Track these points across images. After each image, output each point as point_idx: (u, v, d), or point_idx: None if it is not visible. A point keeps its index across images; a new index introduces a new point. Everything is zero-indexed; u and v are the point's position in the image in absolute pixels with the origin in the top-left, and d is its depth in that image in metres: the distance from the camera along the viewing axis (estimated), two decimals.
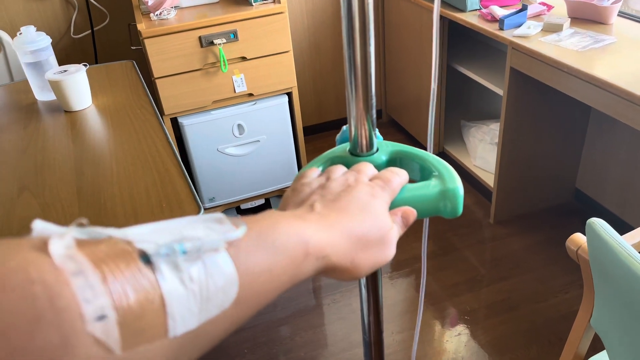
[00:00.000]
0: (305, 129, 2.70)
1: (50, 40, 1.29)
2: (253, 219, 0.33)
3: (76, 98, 1.24)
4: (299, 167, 2.15)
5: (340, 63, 2.60)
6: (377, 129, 0.50)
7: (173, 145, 1.06)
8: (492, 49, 2.27)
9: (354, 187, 0.41)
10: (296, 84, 1.94)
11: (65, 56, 2.19)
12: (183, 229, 0.28)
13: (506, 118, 1.82)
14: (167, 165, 0.99)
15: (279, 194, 2.14)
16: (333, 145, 0.53)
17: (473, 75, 2.09)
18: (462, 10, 1.93)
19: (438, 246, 1.97)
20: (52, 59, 1.29)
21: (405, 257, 1.91)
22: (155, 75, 1.74)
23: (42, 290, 0.22)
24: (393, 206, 0.43)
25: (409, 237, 1.96)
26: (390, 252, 0.40)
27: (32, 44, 1.25)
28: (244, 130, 1.94)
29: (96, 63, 2.20)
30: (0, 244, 0.23)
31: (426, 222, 0.55)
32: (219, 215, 0.31)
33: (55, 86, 1.21)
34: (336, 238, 0.36)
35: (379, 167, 0.47)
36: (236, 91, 1.86)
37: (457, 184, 0.44)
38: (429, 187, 0.45)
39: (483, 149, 2.23)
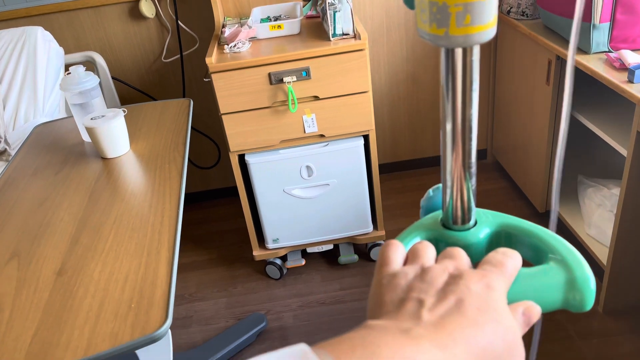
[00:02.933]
0: (392, 165, 2.48)
1: (99, 80, 1.25)
2: (346, 345, 0.27)
3: (111, 145, 1.18)
4: (373, 214, 1.94)
5: (439, 97, 2.34)
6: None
7: (179, 218, 0.93)
8: (621, 98, 1.87)
9: (461, 276, 0.33)
10: (374, 127, 1.74)
11: (158, 78, 2.21)
12: None
13: (628, 184, 1.46)
14: (160, 247, 0.87)
15: (349, 240, 1.95)
16: (424, 187, 0.38)
17: (594, 127, 1.72)
18: (586, 52, 1.58)
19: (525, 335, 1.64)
20: (99, 100, 1.24)
21: None
22: (222, 111, 1.66)
23: None
24: (510, 299, 0.34)
25: None
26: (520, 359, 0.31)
27: (80, 85, 1.21)
28: (313, 172, 1.78)
29: (183, 88, 2.19)
30: None
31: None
32: (302, 347, 0.26)
33: (91, 132, 1.15)
34: (462, 355, 0.29)
35: (478, 245, 0.41)
36: (306, 131, 1.71)
37: (586, 270, 0.36)
38: (552, 274, 0.37)
39: (600, 216, 1.83)
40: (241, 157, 1.79)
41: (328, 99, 1.66)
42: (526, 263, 0.40)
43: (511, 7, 1.97)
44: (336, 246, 2.03)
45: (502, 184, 2.35)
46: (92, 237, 0.91)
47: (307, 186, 1.81)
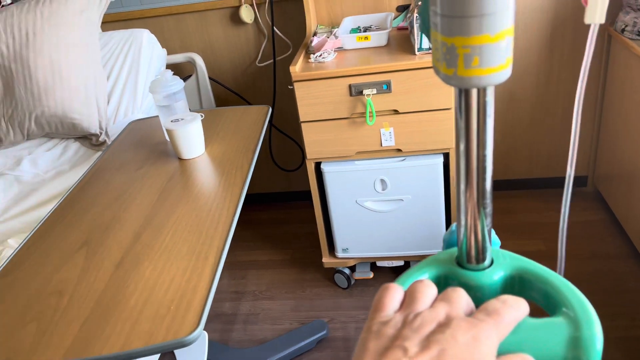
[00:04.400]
0: None
1: (183, 84, 1.33)
2: None
3: (186, 148, 1.25)
4: None
5: (539, 117, 2.19)
6: (492, 231, 0.43)
7: (232, 226, 0.97)
8: None
9: (449, 325, 0.33)
10: (454, 146, 1.67)
11: (251, 81, 2.31)
12: None
13: None
14: (209, 252, 0.90)
15: (420, 259, 1.90)
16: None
17: None
18: None
19: None
20: (182, 103, 1.32)
21: None
22: (302, 119, 1.69)
23: None
24: (505, 350, 0.33)
25: None
26: None
27: (166, 88, 1.30)
28: (387, 186, 1.76)
29: (274, 92, 2.26)
30: None
31: None
32: None
33: (170, 134, 1.23)
34: None
35: (490, 286, 0.41)
36: (383, 145, 1.69)
37: (594, 329, 0.34)
38: (557, 328, 0.35)
39: None
40: (318, 165, 1.81)
41: (408, 113, 1.63)
42: (541, 311, 0.39)
43: (626, 26, 1.79)
44: (407, 263, 1.99)
45: (601, 216, 2.15)
46: (152, 235, 0.98)
47: (381, 199, 1.79)
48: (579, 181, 2.30)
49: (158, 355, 1.37)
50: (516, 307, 0.35)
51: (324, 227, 1.92)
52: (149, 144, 1.39)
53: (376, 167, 1.73)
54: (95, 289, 0.86)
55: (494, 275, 0.41)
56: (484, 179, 0.39)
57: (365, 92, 1.59)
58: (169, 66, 2.26)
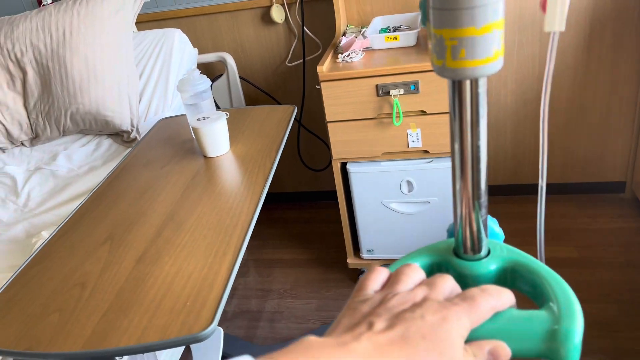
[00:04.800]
0: (511, 187, 2.31)
1: (210, 83, 1.35)
2: (289, 356, 0.29)
3: (211, 146, 1.26)
4: None
5: (575, 120, 2.12)
6: (496, 222, 0.45)
7: (251, 225, 0.97)
8: None
9: (421, 305, 0.34)
10: None
11: (281, 80, 2.32)
12: None
13: None
14: (227, 250, 0.91)
15: None
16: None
17: None
18: None
19: None
20: (208, 102, 1.34)
21: None
22: (328, 119, 1.69)
23: None
24: (481, 336, 0.35)
25: None
26: None
27: (194, 87, 1.32)
28: (414, 187, 1.74)
29: (303, 91, 2.27)
30: None
31: None
32: (247, 358, 0.27)
33: (195, 132, 1.25)
34: None
35: (484, 276, 0.42)
36: (409, 146, 1.67)
37: (574, 324, 0.35)
38: (536, 321, 0.36)
39: None
40: (344, 165, 1.80)
41: (436, 114, 1.61)
42: (533, 305, 0.39)
43: None
44: None
45: (638, 224, 2.07)
46: (173, 231, 1.00)
47: (407, 201, 1.77)
48: (616, 187, 2.22)
49: (181, 351, 1.40)
50: (495, 296, 0.36)
51: (350, 227, 1.91)
52: (176, 141, 1.41)
53: (402, 169, 1.72)
54: (116, 282, 0.88)
55: (488, 266, 0.42)
56: (478, 170, 0.40)
57: (393, 92, 1.58)
58: (201, 65, 2.30)
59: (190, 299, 0.81)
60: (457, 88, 0.37)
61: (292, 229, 2.45)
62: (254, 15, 2.22)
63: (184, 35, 1.97)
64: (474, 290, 0.36)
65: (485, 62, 0.35)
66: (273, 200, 2.59)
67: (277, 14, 2.15)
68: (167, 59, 1.82)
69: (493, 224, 0.50)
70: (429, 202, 1.76)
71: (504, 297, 0.36)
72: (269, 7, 2.16)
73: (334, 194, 2.56)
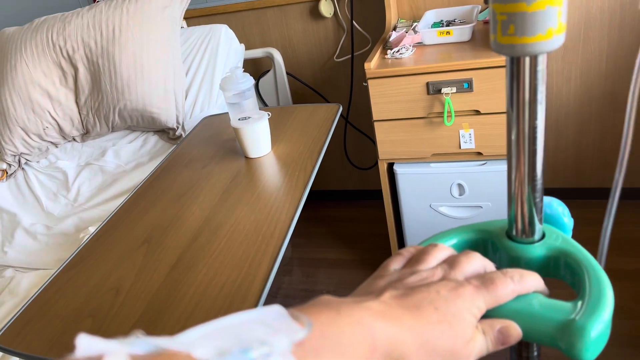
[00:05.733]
0: (573, 191, 2.16)
1: (253, 82, 1.31)
2: (312, 309, 0.30)
3: (252, 146, 1.23)
4: None
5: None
6: (566, 210, 0.45)
7: (289, 232, 0.93)
8: None
9: (437, 282, 0.35)
10: None
11: (329, 76, 2.27)
12: (243, 330, 0.26)
13: None
14: (262, 260, 0.87)
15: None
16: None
17: None
18: None
19: None
20: (251, 101, 1.31)
21: None
22: (375, 118, 1.62)
23: None
24: (496, 314, 0.36)
25: None
26: None
27: (236, 86, 1.29)
28: (465, 191, 1.64)
29: (351, 88, 2.21)
30: None
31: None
32: (277, 308, 0.28)
33: (236, 132, 1.22)
34: (406, 337, 0.31)
35: (533, 262, 0.42)
36: (461, 147, 1.58)
37: (593, 322, 0.34)
38: (556, 309, 0.36)
39: None
40: (391, 166, 1.73)
41: (490, 114, 1.51)
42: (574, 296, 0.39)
43: None
44: None
45: None
46: (209, 237, 0.97)
47: (457, 205, 1.68)
48: None
49: None
50: (518, 281, 0.36)
51: (396, 230, 1.84)
52: (218, 140, 1.39)
53: (453, 171, 1.63)
54: (149, 290, 0.86)
55: (536, 251, 0.42)
56: (533, 152, 0.38)
57: (444, 90, 1.49)
58: (248, 61, 2.28)
59: (222, 312, 0.78)
60: (514, 65, 0.36)
61: (338, 227, 2.40)
62: (303, 9, 2.17)
63: (231, 31, 1.95)
64: (496, 273, 0.36)
65: (536, 39, 0.33)
66: (319, 198, 2.55)
67: (326, 8, 2.10)
68: (213, 55, 1.80)
69: (562, 210, 0.48)
70: (481, 207, 1.66)
71: (528, 282, 0.36)
72: (317, 1, 2.10)
73: (380, 193, 2.49)
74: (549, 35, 0.33)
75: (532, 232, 0.42)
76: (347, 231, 2.36)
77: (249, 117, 1.23)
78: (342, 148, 2.37)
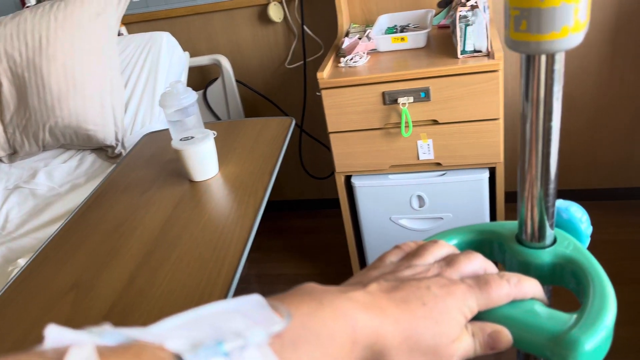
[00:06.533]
0: None
1: (196, 97, 1.20)
2: (293, 299, 0.30)
3: (197, 169, 1.12)
4: None
5: (600, 123, 1.96)
6: (586, 217, 0.44)
7: (237, 271, 0.83)
8: None
9: (429, 278, 0.34)
10: (502, 160, 1.48)
11: (281, 83, 2.17)
12: (219, 320, 0.25)
13: None
14: (215, 290, 0.77)
15: None
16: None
17: None
18: None
19: None
20: (194, 118, 1.19)
21: None
22: (330, 129, 1.54)
23: None
24: (489, 319, 0.35)
25: None
26: None
27: (178, 102, 1.17)
28: (425, 203, 1.59)
29: (304, 95, 2.12)
30: None
31: None
32: (256, 298, 0.28)
33: (179, 155, 1.11)
34: (388, 330, 0.30)
35: (541, 268, 0.41)
36: (420, 158, 1.52)
37: (588, 336, 0.32)
38: (550, 319, 0.34)
39: None
40: (349, 179, 1.66)
41: (449, 124, 1.45)
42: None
43: None
44: None
45: None
46: (148, 277, 0.86)
47: (417, 217, 1.63)
48: None
49: None
50: (515, 285, 0.35)
51: (356, 243, 1.77)
52: (161, 160, 1.27)
53: (413, 182, 1.57)
54: None
55: (544, 257, 0.40)
56: (547, 154, 0.37)
57: (401, 100, 1.43)
58: (194, 69, 2.15)
59: None
60: (528, 62, 0.35)
61: (296, 240, 2.31)
62: (251, 14, 2.07)
63: (173, 39, 1.83)
64: (491, 276, 0.36)
65: (550, 37, 0.32)
66: (276, 209, 2.45)
67: (275, 12, 2.00)
68: (155, 65, 1.67)
69: (581, 216, 0.46)
70: (442, 218, 1.61)
71: (525, 287, 0.36)
72: (266, 5, 2.00)
73: (339, 202, 2.42)
74: (564, 34, 0.32)
75: (542, 237, 0.41)
76: (306, 243, 2.27)
77: (193, 137, 1.12)
78: (298, 157, 2.28)
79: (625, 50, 1.83)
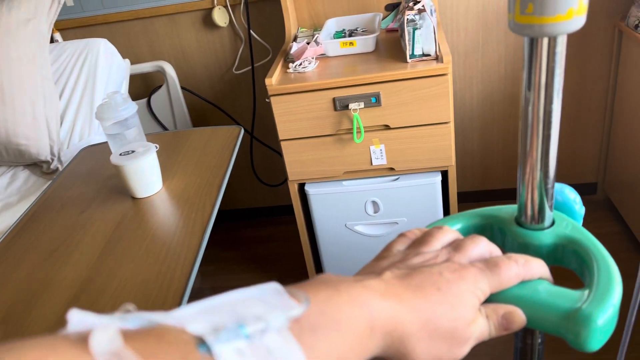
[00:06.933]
0: (481, 193, 2.19)
1: (136, 108, 1.13)
2: (310, 287, 0.30)
3: (139, 185, 1.05)
4: None
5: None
6: (578, 197, 0.45)
7: (185, 294, 0.78)
8: None
9: (437, 263, 0.35)
10: (454, 163, 1.49)
11: (229, 89, 2.11)
12: (239, 306, 0.25)
13: None
14: None
15: None
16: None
17: None
18: None
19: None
20: (134, 131, 1.13)
21: None
22: (281, 137, 1.49)
23: None
24: (501, 300, 0.35)
25: None
26: (460, 352, 0.32)
27: (117, 114, 1.10)
28: (380, 208, 1.57)
29: (254, 101, 2.07)
30: (33, 345, 0.21)
31: None
32: (275, 285, 0.28)
33: (119, 171, 1.04)
34: (407, 317, 0.31)
35: (542, 249, 0.41)
36: (373, 164, 1.50)
37: (600, 310, 0.33)
38: (561, 297, 0.35)
39: None
40: (302, 186, 1.62)
41: (400, 128, 1.44)
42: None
43: (639, 22, 1.60)
44: None
45: (613, 228, 1.97)
46: (87, 309, 0.79)
47: (372, 223, 1.61)
48: (587, 189, 2.13)
49: None
50: (522, 265, 0.35)
51: (312, 251, 1.73)
52: (100, 176, 1.19)
53: (367, 188, 1.54)
54: None
55: (545, 238, 0.41)
56: (548, 136, 0.38)
57: (352, 106, 1.40)
58: (136, 77, 2.06)
59: None
60: (531, 46, 0.35)
61: (250, 249, 2.25)
62: (195, 18, 1.99)
63: (110, 45, 1.73)
64: (500, 257, 0.36)
65: (555, 19, 0.32)
66: (228, 219, 2.38)
67: (220, 16, 1.94)
68: (92, 73, 1.58)
69: (574, 197, 0.47)
70: (397, 223, 1.59)
71: (533, 268, 0.36)
72: (210, 10, 1.94)
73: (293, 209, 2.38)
74: (569, 16, 0.32)
75: (542, 219, 0.41)
76: (261, 252, 2.22)
77: (134, 151, 1.05)
78: (250, 164, 2.22)
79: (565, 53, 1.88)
